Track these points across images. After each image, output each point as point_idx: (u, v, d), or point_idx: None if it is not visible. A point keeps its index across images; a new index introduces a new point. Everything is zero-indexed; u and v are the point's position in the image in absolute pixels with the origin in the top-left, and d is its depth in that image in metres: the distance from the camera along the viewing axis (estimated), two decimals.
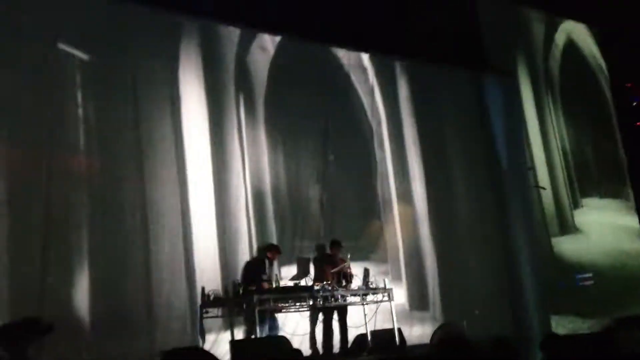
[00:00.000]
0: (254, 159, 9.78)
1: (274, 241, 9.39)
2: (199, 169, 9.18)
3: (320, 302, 7.97)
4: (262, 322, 7.59)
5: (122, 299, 8.20)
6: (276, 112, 10.08)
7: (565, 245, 12.79)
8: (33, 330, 6.75)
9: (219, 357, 7.71)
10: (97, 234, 8.16)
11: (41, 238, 7.71)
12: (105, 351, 7.71)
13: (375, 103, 11.22)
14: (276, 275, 8.21)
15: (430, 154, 11.56)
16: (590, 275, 12.47)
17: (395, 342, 8.31)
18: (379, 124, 11.22)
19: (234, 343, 7.34)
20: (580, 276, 12.41)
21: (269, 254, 8.49)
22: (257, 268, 8.29)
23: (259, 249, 9.04)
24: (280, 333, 8.14)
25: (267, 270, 8.16)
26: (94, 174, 8.38)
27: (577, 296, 12.16)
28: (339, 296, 8.13)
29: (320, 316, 8.50)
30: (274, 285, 7.86)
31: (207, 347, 7.90)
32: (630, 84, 14.61)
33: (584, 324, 11.52)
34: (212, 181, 9.27)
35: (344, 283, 8.40)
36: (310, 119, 10.41)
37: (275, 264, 8.61)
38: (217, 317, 7.89)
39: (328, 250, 9.00)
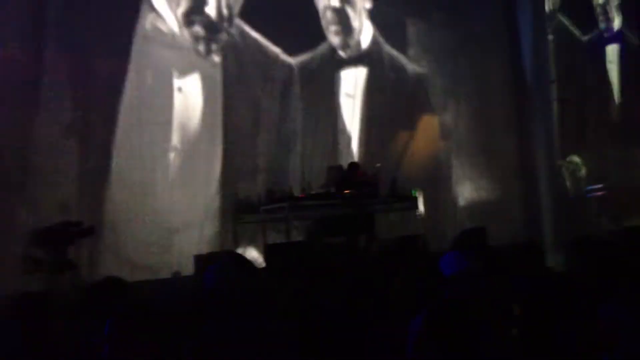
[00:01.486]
0: None
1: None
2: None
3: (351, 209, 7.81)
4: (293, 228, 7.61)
5: (157, 203, 7.98)
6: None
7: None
8: (73, 233, 6.57)
9: (253, 261, 7.63)
10: (132, 141, 7.81)
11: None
12: (141, 255, 7.66)
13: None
14: (308, 183, 8.06)
15: (455, 64, 10.43)
16: (600, 186, 12.21)
17: (420, 248, 8.19)
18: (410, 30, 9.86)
19: (268, 247, 7.36)
20: (591, 188, 12.18)
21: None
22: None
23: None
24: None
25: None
26: None
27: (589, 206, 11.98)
28: (368, 204, 7.98)
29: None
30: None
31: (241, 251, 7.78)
32: None
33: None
34: None
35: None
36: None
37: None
38: (250, 222, 7.86)
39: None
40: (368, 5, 9.42)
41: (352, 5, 9.18)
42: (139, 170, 7.84)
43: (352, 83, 9.12)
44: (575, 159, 12.19)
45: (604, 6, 12.96)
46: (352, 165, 8.61)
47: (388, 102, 9.55)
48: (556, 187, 11.75)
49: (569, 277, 5.58)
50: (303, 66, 8.78)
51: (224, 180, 8.38)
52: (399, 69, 9.67)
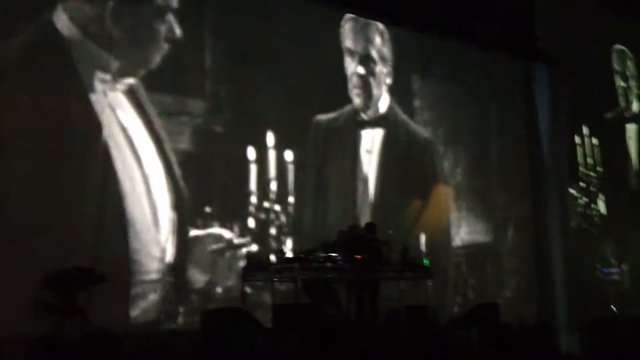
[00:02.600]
0: None
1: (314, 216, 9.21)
2: None
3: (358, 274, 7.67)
4: (303, 290, 7.41)
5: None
6: None
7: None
8: (85, 279, 6.58)
9: (260, 320, 7.60)
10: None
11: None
12: (150, 308, 7.66)
13: (420, 84, 10.63)
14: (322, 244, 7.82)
15: (472, 139, 11.07)
16: (617, 270, 12.13)
17: (429, 319, 8.10)
18: (425, 106, 10.60)
19: (276, 307, 7.28)
20: (606, 270, 12.07)
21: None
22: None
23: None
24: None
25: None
26: None
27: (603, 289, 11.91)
28: (378, 270, 7.87)
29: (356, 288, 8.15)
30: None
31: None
32: None
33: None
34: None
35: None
36: None
37: None
38: (258, 281, 7.81)
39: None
40: (389, 80, 10.18)
41: (375, 76, 10.01)
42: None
43: (370, 140, 9.88)
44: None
45: (625, 89, 13.56)
46: (369, 225, 8.49)
47: (401, 161, 10.14)
48: (570, 268, 11.73)
49: None
50: (329, 123, 9.51)
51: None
52: (410, 133, 10.41)
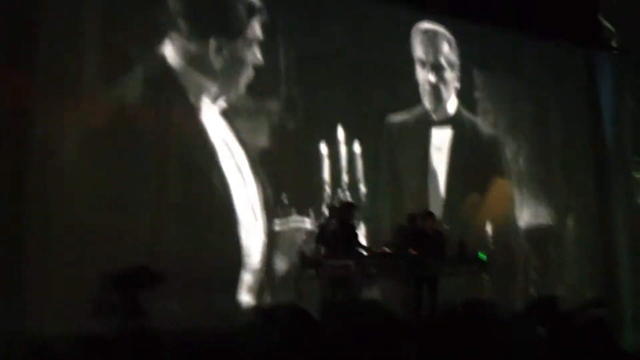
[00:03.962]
0: None
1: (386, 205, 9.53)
2: None
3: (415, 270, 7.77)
4: (356, 286, 7.47)
5: (226, 256, 8.27)
6: None
7: None
8: (144, 279, 6.77)
9: (315, 316, 7.66)
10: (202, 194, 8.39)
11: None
12: (206, 306, 7.68)
13: (481, 76, 10.92)
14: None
15: (533, 128, 11.19)
16: None
17: (487, 314, 8.01)
18: (486, 97, 10.94)
19: (329, 304, 7.22)
20: None
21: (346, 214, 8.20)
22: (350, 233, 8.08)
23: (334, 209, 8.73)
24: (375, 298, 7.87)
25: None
26: None
27: None
28: (434, 266, 7.92)
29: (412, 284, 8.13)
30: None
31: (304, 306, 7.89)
32: None
33: None
34: None
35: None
36: None
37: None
38: (314, 278, 7.74)
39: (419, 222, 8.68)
40: (457, 84, 10.66)
41: (445, 82, 10.55)
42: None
43: (440, 139, 10.37)
44: None
45: None
46: (429, 214, 8.71)
47: (467, 158, 10.51)
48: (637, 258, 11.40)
49: None
50: (402, 124, 10.06)
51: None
52: (477, 131, 10.80)
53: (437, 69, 10.59)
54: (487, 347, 5.56)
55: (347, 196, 9.29)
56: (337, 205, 8.82)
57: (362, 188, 9.53)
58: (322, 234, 8.12)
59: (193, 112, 8.45)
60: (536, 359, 5.05)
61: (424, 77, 10.46)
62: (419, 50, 10.47)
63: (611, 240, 11.28)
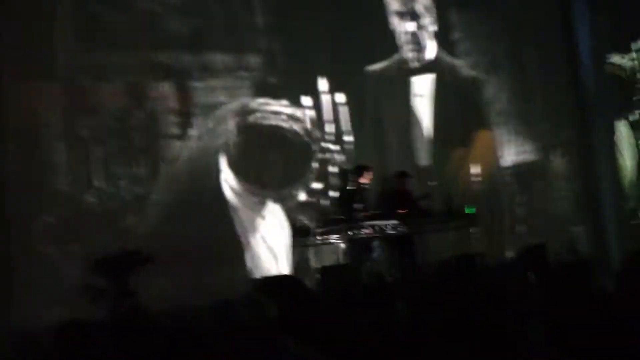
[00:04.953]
0: None
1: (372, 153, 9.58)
2: None
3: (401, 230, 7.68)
4: (352, 250, 7.46)
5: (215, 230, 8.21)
6: None
7: None
8: (132, 261, 6.72)
9: (309, 284, 7.70)
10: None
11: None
12: (198, 282, 7.65)
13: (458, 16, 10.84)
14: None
15: (512, 69, 11.11)
16: None
17: (477, 267, 8.05)
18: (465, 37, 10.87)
19: (324, 269, 7.10)
20: None
21: (360, 179, 8.12)
22: (349, 197, 7.99)
23: (345, 172, 8.67)
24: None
25: (359, 198, 7.81)
26: None
27: None
28: (421, 224, 7.86)
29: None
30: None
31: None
32: None
33: None
34: None
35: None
36: None
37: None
38: (306, 246, 7.82)
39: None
40: (434, 28, 10.60)
41: (424, 30, 10.54)
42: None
43: (421, 85, 10.39)
44: None
45: None
46: (401, 174, 8.56)
47: (449, 102, 10.55)
48: (621, 211, 11.52)
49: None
50: (381, 72, 10.07)
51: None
52: (457, 74, 10.80)
53: (414, 17, 10.49)
54: (479, 300, 5.59)
55: (334, 148, 9.34)
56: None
57: (348, 139, 9.52)
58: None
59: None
60: (527, 308, 5.11)
61: (402, 27, 10.38)
62: (393, 2, 10.35)
63: (594, 174, 11.36)
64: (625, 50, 11.86)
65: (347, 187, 8.05)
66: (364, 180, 7.94)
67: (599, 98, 11.47)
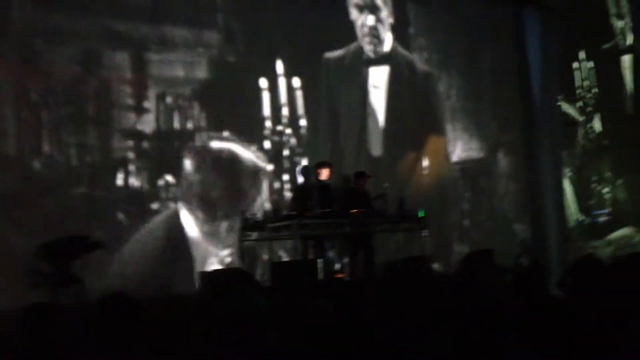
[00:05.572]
0: None
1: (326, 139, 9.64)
2: None
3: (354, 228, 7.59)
4: (303, 247, 7.35)
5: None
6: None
7: None
8: (79, 247, 6.59)
9: (258, 279, 7.71)
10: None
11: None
12: (148, 272, 7.61)
13: (415, 12, 10.92)
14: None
15: (463, 87, 11.25)
16: (608, 211, 12.44)
17: (426, 269, 8.16)
18: (420, 33, 10.95)
19: (273, 265, 7.06)
20: (597, 212, 12.35)
21: (318, 172, 7.94)
22: (304, 193, 7.85)
23: (305, 170, 8.46)
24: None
25: (315, 195, 7.63)
26: None
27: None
28: (373, 224, 7.77)
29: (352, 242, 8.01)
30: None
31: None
32: None
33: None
34: None
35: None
36: None
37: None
38: (256, 240, 7.65)
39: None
40: (391, 20, 10.68)
41: (382, 23, 10.62)
42: None
43: (377, 76, 10.48)
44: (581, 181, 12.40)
45: (621, 28, 13.46)
46: (359, 174, 8.36)
47: (404, 97, 10.70)
48: (562, 211, 11.93)
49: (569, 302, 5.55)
50: (338, 60, 10.08)
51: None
52: (412, 68, 10.93)
53: (373, 10, 10.48)
54: (426, 302, 5.68)
55: (287, 131, 9.33)
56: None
57: (303, 122, 9.50)
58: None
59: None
60: (473, 311, 5.25)
61: (362, 20, 10.37)
62: None
63: (537, 173, 11.72)
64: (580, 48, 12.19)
65: (304, 183, 7.95)
66: (322, 177, 7.89)
67: (545, 103, 11.83)
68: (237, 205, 8.46)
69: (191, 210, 8.31)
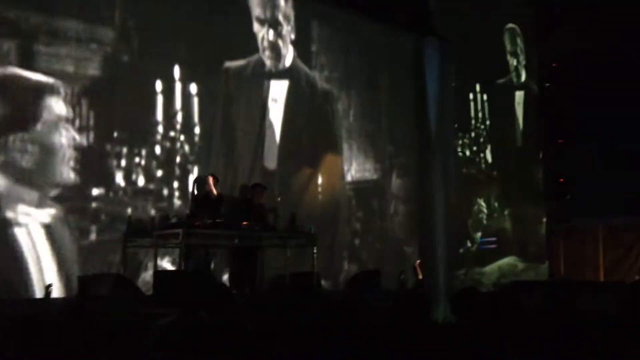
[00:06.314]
0: None
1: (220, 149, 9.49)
2: None
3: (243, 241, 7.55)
4: (188, 256, 7.18)
5: None
6: None
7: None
8: None
9: (141, 287, 7.46)
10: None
11: None
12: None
13: (319, 30, 11.06)
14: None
15: (361, 107, 11.49)
16: (494, 239, 12.95)
17: (313, 286, 8.20)
18: (322, 51, 11.09)
19: (157, 273, 6.89)
20: (484, 240, 12.83)
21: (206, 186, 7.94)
22: (198, 203, 7.81)
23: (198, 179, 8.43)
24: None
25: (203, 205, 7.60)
26: None
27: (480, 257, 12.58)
28: (263, 237, 7.73)
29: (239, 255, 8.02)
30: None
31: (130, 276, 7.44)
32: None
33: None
34: None
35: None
36: None
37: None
38: (140, 246, 7.45)
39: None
40: (293, 36, 10.74)
41: (283, 39, 10.63)
42: None
43: (276, 90, 10.47)
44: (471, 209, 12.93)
45: (516, 65, 14.23)
46: (256, 186, 8.47)
47: (302, 111, 10.78)
48: (451, 236, 12.30)
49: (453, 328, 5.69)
50: (238, 71, 10.00)
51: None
52: (312, 85, 11.03)
53: (274, 25, 10.50)
54: (312, 317, 5.68)
55: (181, 138, 9.16)
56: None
57: (197, 130, 9.37)
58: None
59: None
60: (360, 330, 5.29)
61: (263, 33, 10.37)
62: (256, 9, 10.31)
63: (428, 197, 12.03)
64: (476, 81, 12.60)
65: (195, 193, 7.85)
66: (208, 187, 7.83)
67: (440, 130, 12.19)
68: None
69: None
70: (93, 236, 8.01)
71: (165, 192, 8.81)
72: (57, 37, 8.21)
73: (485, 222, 12.76)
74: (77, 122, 8.25)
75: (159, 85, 9.06)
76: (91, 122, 8.36)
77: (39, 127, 7.82)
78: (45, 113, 7.94)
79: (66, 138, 8.09)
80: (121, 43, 8.71)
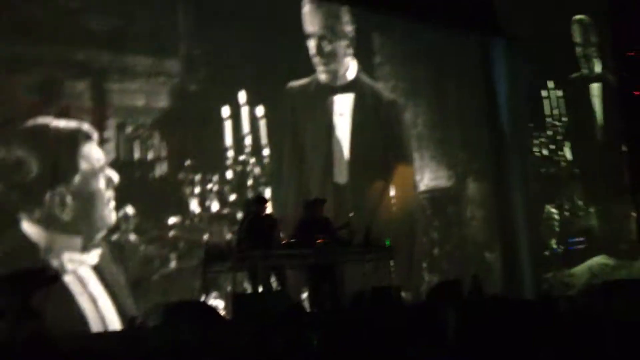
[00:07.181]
0: None
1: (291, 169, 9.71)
2: None
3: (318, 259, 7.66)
4: (265, 278, 7.35)
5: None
6: None
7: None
8: (36, 280, 6.50)
9: (221, 311, 7.70)
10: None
11: None
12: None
13: (380, 41, 11.14)
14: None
15: (430, 115, 11.52)
16: (582, 239, 12.70)
17: (393, 299, 8.26)
18: (385, 61, 11.18)
19: (235, 297, 7.03)
20: (572, 240, 12.60)
21: (259, 208, 8.00)
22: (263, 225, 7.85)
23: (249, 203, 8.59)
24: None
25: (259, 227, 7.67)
26: None
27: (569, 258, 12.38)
28: (338, 254, 7.84)
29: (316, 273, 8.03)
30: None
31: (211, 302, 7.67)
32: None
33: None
34: None
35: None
36: None
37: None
38: (220, 271, 7.64)
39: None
40: (351, 50, 10.85)
41: (341, 53, 10.81)
42: None
43: (342, 104, 10.62)
44: (553, 210, 12.68)
45: (586, 56, 13.94)
46: (316, 202, 8.44)
47: (369, 123, 10.87)
48: (535, 239, 12.18)
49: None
50: (302, 89, 10.19)
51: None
52: (377, 96, 11.10)
53: (329, 39, 10.66)
54: (394, 333, 5.73)
55: (251, 161, 9.37)
56: (251, 198, 8.76)
57: (266, 151, 9.58)
58: (240, 227, 7.93)
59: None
60: (440, 342, 5.33)
61: (315, 50, 10.54)
62: (309, 25, 10.48)
63: (506, 200, 11.96)
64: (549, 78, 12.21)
65: (250, 215, 7.93)
66: (262, 210, 7.91)
67: (513, 128, 12.13)
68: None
69: None
70: (173, 264, 8.21)
71: (239, 215, 9.00)
72: (126, 73, 8.56)
73: (570, 221, 12.51)
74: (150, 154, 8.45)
75: (226, 111, 9.30)
76: (163, 153, 8.65)
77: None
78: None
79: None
80: (188, 73, 9.04)
